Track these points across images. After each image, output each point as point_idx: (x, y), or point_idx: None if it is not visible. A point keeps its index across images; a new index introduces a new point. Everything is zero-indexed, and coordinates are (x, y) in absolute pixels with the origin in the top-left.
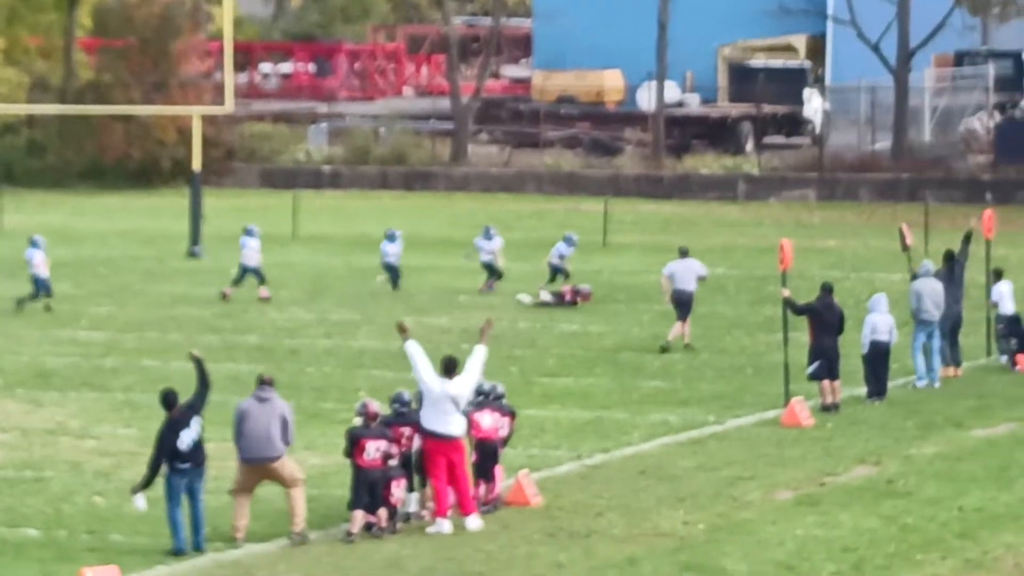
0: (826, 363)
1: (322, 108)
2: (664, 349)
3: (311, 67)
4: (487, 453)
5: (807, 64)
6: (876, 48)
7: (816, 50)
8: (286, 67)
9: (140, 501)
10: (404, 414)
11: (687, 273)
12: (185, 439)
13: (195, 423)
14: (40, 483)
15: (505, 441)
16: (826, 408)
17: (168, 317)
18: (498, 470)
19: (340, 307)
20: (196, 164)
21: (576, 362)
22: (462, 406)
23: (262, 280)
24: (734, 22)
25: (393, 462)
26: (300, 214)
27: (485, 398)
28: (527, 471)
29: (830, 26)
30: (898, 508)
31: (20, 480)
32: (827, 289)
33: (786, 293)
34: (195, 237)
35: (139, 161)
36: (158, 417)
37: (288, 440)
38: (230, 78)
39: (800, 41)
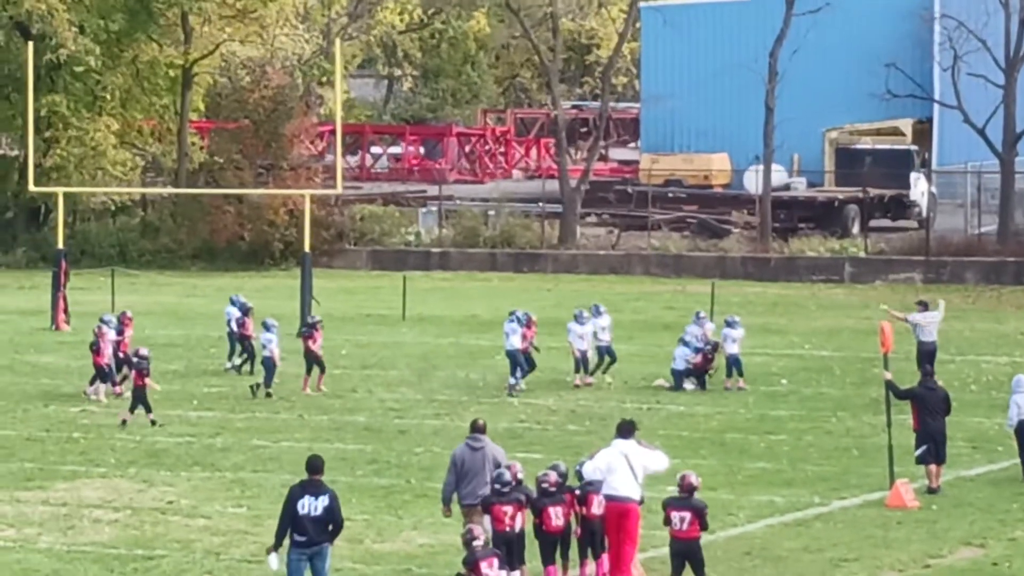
0: (933, 446)
1: (432, 190)
2: None
3: (421, 150)
4: (595, 532)
5: (914, 148)
6: (982, 132)
7: (922, 134)
8: (396, 149)
9: (273, 561)
10: (504, 493)
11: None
12: (306, 506)
13: (324, 499)
14: (151, 561)
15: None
16: (932, 491)
17: (277, 397)
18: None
19: (448, 387)
20: (306, 245)
21: (682, 443)
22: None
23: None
24: (841, 105)
25: (477, 543)
26: (409, 295)
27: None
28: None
29: (936, 110)
30: None
31: (131, 558)
32: (928, 373)
33: (887, 376)
34: (305, 318)
35: (250, 242)
36: (268, 496)
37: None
38: (340, 160)
39: (907, 125)
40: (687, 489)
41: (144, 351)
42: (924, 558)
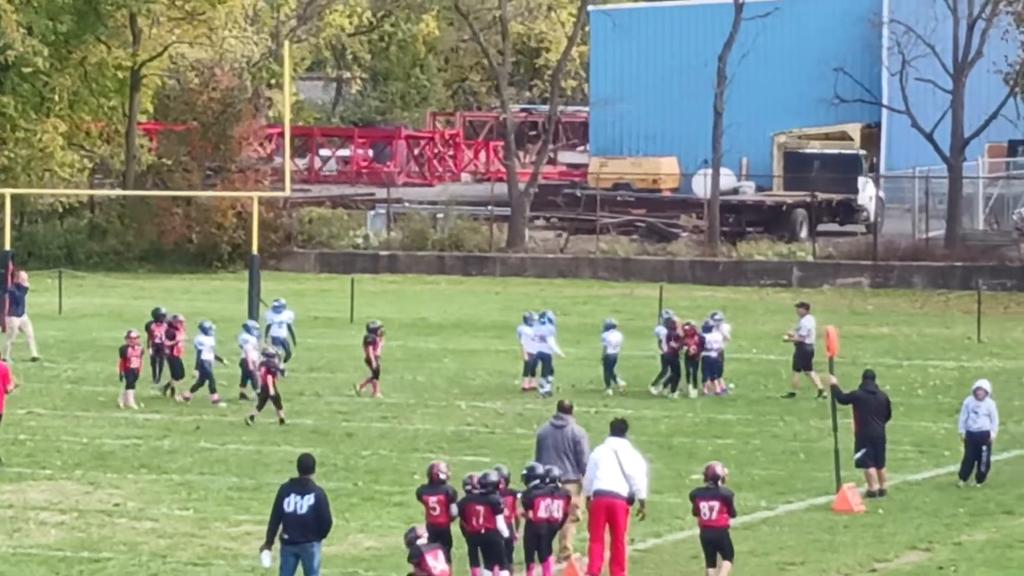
0: (872, 450)
1: (380, 193)
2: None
3: (370, 152)
4: (542, 536)
5: (862, 152)
6: (930, 137)
7: (871, 138)
8: (345, 152)
9: (265, 559)
10: (483, 494)
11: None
12: (292, 504)
13: (310, 498)
14: (97, 564)
15: (561, 524)
16: (871, 494)
17: (225, 399)
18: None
19: (396, 391)
20: (254, 248)
21: None
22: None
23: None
24: (789, 110)
25: (421, 541)
26: (357, 298)
27: (541, 483)
28: (579, 555)
29: (884, 114)
30: None
31: (78, 560)
32: (870, 376)
33: (833, 380)
34: (254, 321)
35: (198, 244)
36: (214, 499)
37: (581, 466)
38: (289, 163)
39: (855, 129)
40: (712, 478)
41: (271, 350)
42: (870, 562)
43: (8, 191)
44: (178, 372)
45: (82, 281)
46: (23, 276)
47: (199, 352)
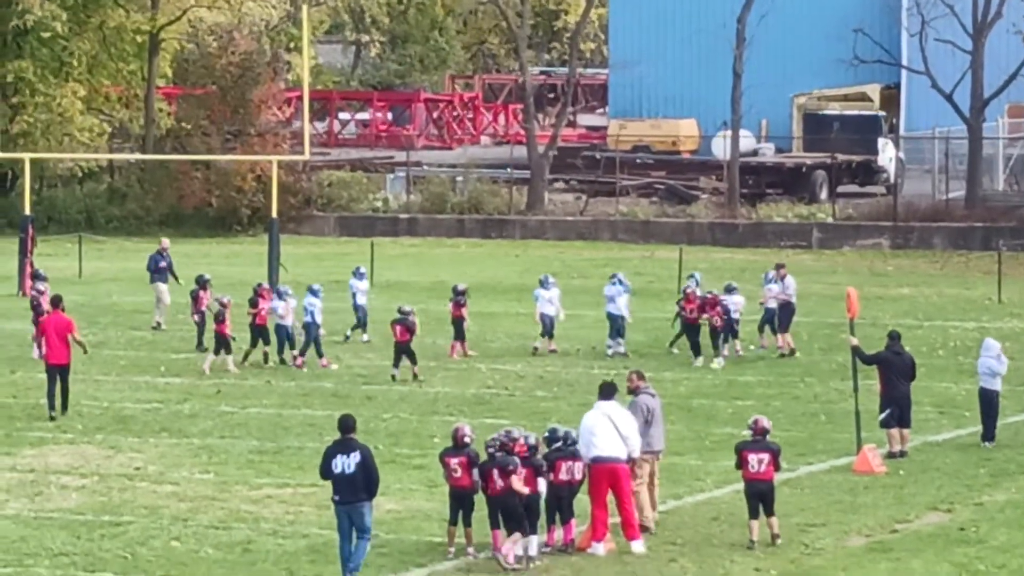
0: (897, 411)
1: (400, 156)
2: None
3: (389, 116)
4: (563, 498)
5: (881, 113)
6: (950, 98)
7: (890, 99)
8: (364, 116)
9: None
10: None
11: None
12: (339, 465)
13: (356, 455)
14: (118, 527)
15: (580, 486)
16: (893, 455)
17: (249, 363)
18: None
19: (416, 354)
20: (274, 211)
21: None
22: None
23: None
24: (809, 72)
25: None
26: (377, 261)
27: (564, 445)
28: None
29: (904, 76)
30: (969, 555)
31: (98, 524)
32: (895, 337)
33: (854, 342)
34: (273, 284)
35: (218, 208)
36: (235, 462)
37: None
38: (308, 126)
39: (874, 91)
40: (760, 432)
41: (407, 308)
42: (891, 523)
43: (28, 156)
44: (266, 338)
45: (102, 246)
46: (165, 243)
47: (310, 313)
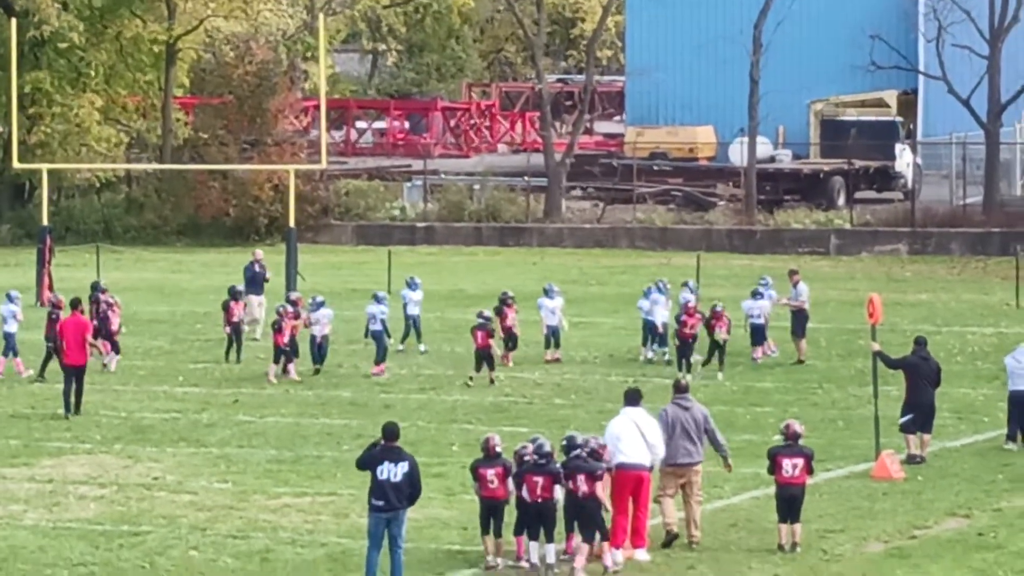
0: (920, 416)
1: (417, 165)
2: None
3: (406, 124)
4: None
5: (899, 119)
6: (967, 103)
7: (907, 105)
8: (381, 124)
9: None
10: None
11: None
12: (386, 472)
13: (404, 465)
14: (137, 537)
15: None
16: (912, 459)
17: (263, 372)
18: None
19: (433, 362)
20: (291, 220)
21: None
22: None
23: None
24: (826, 78)
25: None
26: (395, 270)
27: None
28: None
29: (921, 81)
30: (988, 561)
31: (117, 534)
32: (922, 343)
33: (876, 347)
34: (289, 294)
35: (235, 218)
36: (253, 471)
37: (716, 443)
38: (325, 135)
39: (891, 96)
40: (793, 436)
41: (487, 313)
42: (910, 529)
43: (45, 166)
44: (289, 355)
45: (120, 256)
46: (259, 254)
47: (372, 321)
